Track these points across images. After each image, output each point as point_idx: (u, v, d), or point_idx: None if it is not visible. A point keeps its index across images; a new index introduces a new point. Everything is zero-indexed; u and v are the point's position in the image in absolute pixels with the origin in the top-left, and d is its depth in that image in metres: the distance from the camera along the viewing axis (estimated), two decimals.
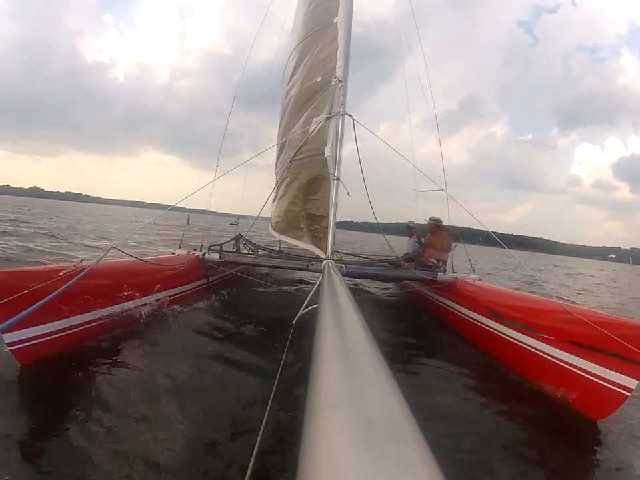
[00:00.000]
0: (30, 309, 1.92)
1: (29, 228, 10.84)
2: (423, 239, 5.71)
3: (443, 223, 5.30)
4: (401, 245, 6.21)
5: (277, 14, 6.22)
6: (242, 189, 6.49)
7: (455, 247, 5.26)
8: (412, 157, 5.74)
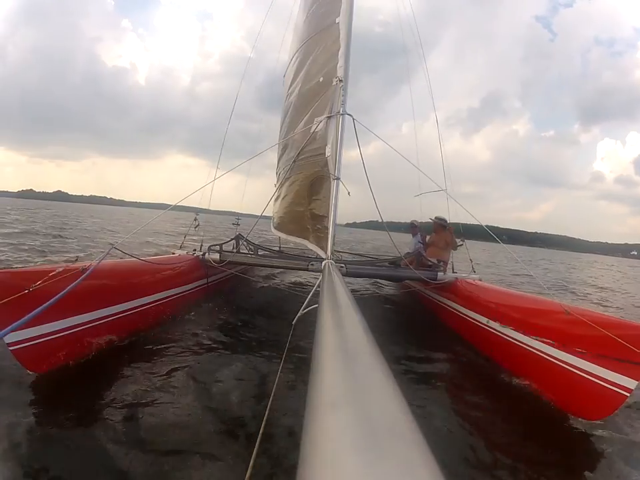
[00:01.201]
0: (36, 310, 1.85)
1: None
2: (427, 238, 5.72)
3: (447, 222, 5.30)
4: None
5: (291, 13, 6.24)
6: (254, 188, 6.62)
7: (461, 244, 5.24)
8: (416, 157, 5.74)
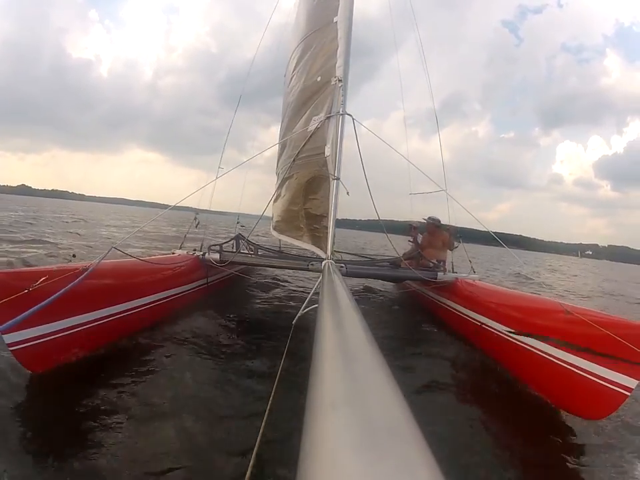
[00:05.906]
0: (33, 309, 1.87)
1: None
2: (419, 239, 5.70)
3: (441, 223, 5.31)
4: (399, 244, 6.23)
5: (264, 12, 6.28)
6: (233, 188, 6.67)
7: (457, 246, 5.26)
8: (405, 156, 5.76)
